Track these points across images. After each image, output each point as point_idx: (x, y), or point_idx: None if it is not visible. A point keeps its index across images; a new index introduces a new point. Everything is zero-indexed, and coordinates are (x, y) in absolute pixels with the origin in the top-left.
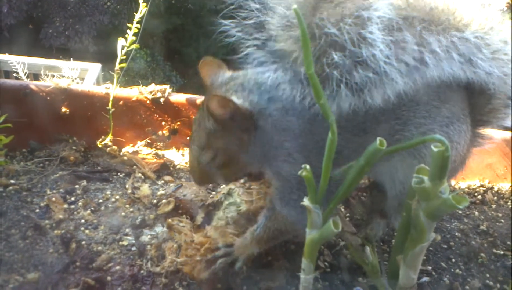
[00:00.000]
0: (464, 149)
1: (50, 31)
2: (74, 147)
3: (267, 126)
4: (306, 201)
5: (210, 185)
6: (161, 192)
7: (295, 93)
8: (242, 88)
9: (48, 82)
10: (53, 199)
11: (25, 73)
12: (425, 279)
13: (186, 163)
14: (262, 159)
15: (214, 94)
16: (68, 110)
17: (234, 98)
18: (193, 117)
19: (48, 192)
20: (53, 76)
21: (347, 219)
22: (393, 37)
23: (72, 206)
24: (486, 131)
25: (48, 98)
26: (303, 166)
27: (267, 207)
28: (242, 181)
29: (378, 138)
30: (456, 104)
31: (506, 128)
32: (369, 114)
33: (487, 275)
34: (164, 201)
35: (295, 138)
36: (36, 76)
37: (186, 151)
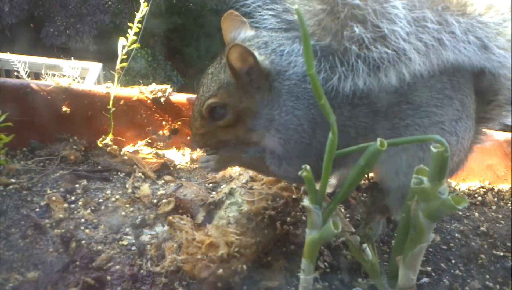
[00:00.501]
0: (468, 145)
1: (51, 30)
2: (74, 147)
3: (282, 89)
4: (306, 202)
5: (210, 184)
6: (161, 191)
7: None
8: (265, 46)
9: (49, 81)
10: (53, 198)
11: (26, 72)
12: (425, 280)
13: (187, 163)
14: (269, 124)
15: (236, 44)
16: (68, 109)
17: (256, 53)
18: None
19: (48, 191)
20: (54, 75)
21: (347, 219)
22: (415, 14)
23: (72, 206)
24: (487, 129)
25: (48, 97)
26: (303, 166)
27: (259, 149)
28: (244, 181)
29: (378, 139)
30: (467, 97)
31: (506, 126)
32: (381, 95)
33: (487, 276)
34: (164, 201)
35: (307, 108)
36: (37, 75)
37: (187, 151)
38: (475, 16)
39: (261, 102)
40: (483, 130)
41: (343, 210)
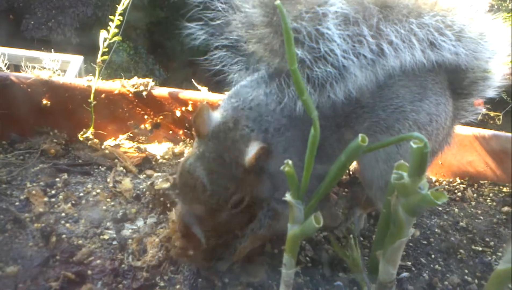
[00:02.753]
0: (447, 122)
1: (32, 22)
2: (55, 140)
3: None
4: (288, 197)
5: None
6: (143, 185)
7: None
8: (258, 125)
9: (29, 74)
10: (33, 192)
11: (6, 64)
12: (405, 274)
13: (169, 157)
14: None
15: (261, 146)
16: (49, 102)
17: (262, 144)
18: (176, 110)
19: (28, 185)
20: (34, 67)
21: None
22: (349, 31)
23: (53, 199)
24: (469, 102)
25: (28, 90)
26: (285, 161)
27: (265, 208)
28: None
29: (360, 135)
30: (427, 79)
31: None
32: (335, 107)
33: (466, 271)
34: (161, 179)
35: (298, 151)
36: (16, 68)
37: (169, 145)
38: (413, 20)
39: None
40: (465, 105)
41: None
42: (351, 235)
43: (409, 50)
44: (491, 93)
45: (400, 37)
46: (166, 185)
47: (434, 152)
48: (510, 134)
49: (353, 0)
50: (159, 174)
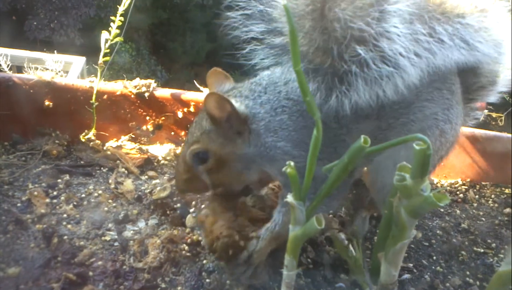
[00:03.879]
0: (459, 128)
1: (35, 23)
2: (57, 141)
3: (260, 129)
4: (289, 198)
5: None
6: (144, 187)
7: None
8: (240, 94)
9: (32, 75)
10: (35, 193)
11: (8, 65)
12: (406, 276)
13: (171, 158)
14: (260, 160)
15: (212, 92)
16: (51, 103)
17: (233, 101)
18: (178, 112)
19: (30, 186)
20: (36, 68)
21: (332, 216)
22: (408, 30)
23: (54, 201)
24: (472, 107)
25: (31, 91)
26: (287, 163)
27: (280, 203)
28: None
29: (362, 136)
30: (454, 84)
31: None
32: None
33: (468, 273)
34: (159, 188)
35: (289, 136)
36: (19, 69)
37: (170, 146)
38: (458, 19)
39: (244, 145)
40: (468, 110)
41: None
42: (355, 237)
43: (454, 50)
44: (494, 98)
45: (449, 36)
46: (164, 194)
47: (441, 157)
48: (511, 136)
49: None
50: (158, 181)
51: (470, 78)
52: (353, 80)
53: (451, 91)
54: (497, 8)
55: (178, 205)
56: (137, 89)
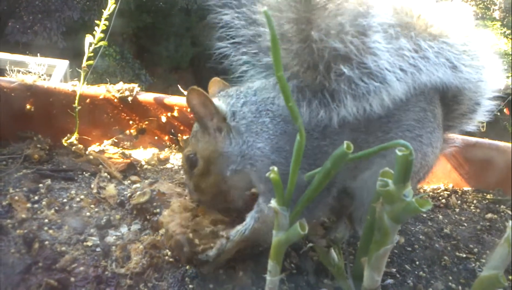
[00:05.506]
0: (439, 153)
1: (17, 26)
2: (38, 145)
3: (241, 127)
4: (273, 203)
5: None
6: (127, 192)
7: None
8: (226, 94)
9: (13, 78)
10: (16, 198)
11: None
12: (390, 281)
13: (154, 163)
14: (242, 160)
15: (192, 88)
16: (33, 107)
17: (215, 100)
18: (161, 116)
19: (11, 190)
20: (19, 71)
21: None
22: (393, 44)
23: (36, 205)
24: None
25: (12, 94)
26: (270, 168)
27: (254, 209)
28: None
29: (345, 142)
30: (437, 107)
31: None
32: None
33: (450, 278)
34: (139, 192)
35: (269, 140)
36: (1, 72)
37: (154, 151)
38: (443, 39)
39: (225, 142)
40: (446, 137)
41: None
42: (336, 244)
43: (438, 68)
44: (472, 126)
45: (434, 53)
46: (144, 199)
47: (419, 180)
48: (493, 142)
49: (393, 11)
50: (138, 185)
51: (451, 104)
52: (342, 97)
53: (434, 114)
54: (481, 35)
55: (158, 210)
56: (120, 93)
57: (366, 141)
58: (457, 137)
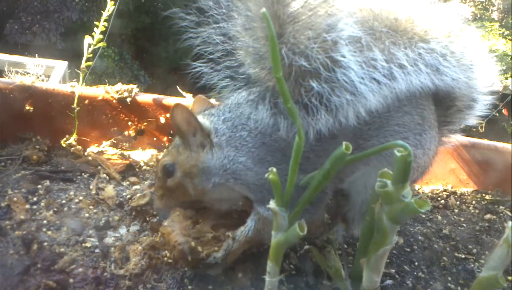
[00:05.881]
0: (434, 154)
1: (16, 27)
2: (37, 146)
3: (222, 143)
4: (272, 204)
5: None
6: (126, 193)
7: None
8: (209, 112)
9: (12, 79)
10: (15, 199)
11: None
12: (389, 282)
13: (153, 164)
14: (225, 176)
15: (177, 103)
16: (32, 108)
17: (199, 117)
18: (160, 117)
19: (10, 192)
20: (17, 72)
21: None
22: (364, 56)
23: (34, 207)
24: (450, 129)
25: (11, 95)
26: (269, 169)
27: (252, 213)
28: None
29: (344, 143)
30: (425, 109)
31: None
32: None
33: (449, 278)
34: (139, 194)
35: (249, 153)
36: (0, 73)
37: (152, 152)
38: (421, 44)
39: (207, 157)
40: (446, 132)
41: None
42: (331, 245)
43: (417, 74)
44: (472, 121)
45: (409, 61)
46: (143, 201)
47: (413, 181)
48: (492, 142)
49: (363, 23)
50: (138, 187)
51: (446, 102)
52: (315, 111)
53: (423, 117)
54: (467, 34)
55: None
56: (119, 94)
57: None
58: (456, 138)
